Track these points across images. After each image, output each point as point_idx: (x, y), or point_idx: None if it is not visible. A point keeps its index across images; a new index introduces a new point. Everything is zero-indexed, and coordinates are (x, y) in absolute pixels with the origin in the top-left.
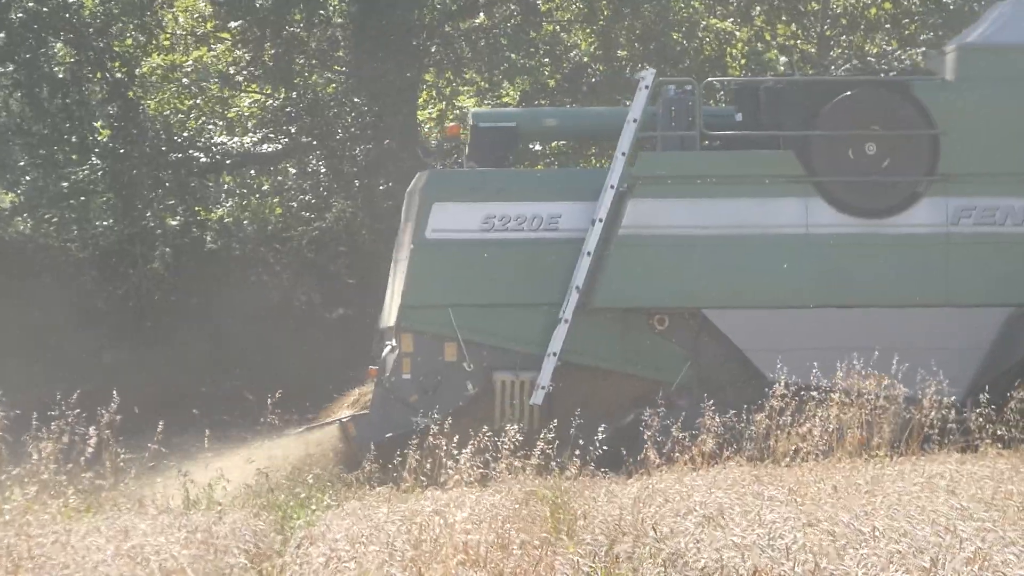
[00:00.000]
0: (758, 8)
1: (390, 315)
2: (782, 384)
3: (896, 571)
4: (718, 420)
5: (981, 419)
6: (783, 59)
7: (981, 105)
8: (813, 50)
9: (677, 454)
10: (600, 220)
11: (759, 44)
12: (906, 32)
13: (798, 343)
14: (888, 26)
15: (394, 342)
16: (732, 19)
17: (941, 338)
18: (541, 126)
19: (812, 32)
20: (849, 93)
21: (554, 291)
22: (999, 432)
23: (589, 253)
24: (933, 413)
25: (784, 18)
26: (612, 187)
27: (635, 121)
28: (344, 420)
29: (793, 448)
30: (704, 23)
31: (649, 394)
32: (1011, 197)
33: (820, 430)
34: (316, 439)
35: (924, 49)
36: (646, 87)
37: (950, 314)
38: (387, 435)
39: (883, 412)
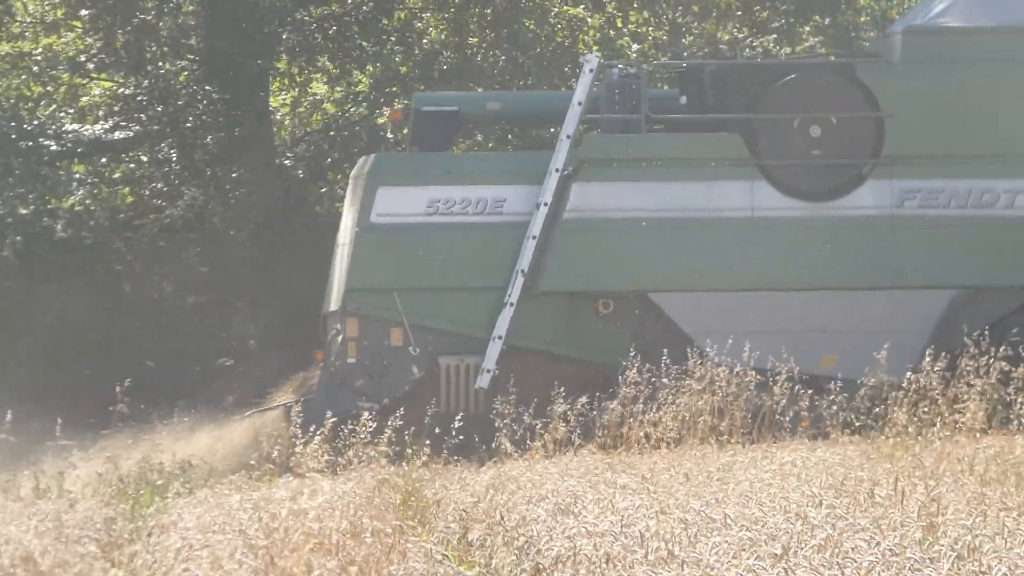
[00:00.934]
0: None
1: (335, 299)
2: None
3: (748, 558)
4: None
5: (834, 406)
6: (635, 46)
7: (926, 88)
8: (665, 37)
9: (532, 441)
10: (545, 204)
11: (611, 31)
12: (758, 19)
13: (744, 327)
14: (740, 13)
15: (339, 327)
16: (584, 6)
17: (886, 320)
18: (484, 110)
19: (664, 19)
20: (793, 76)
21: (499, 275)
22: (849, 419)
23: (534, 237)
24: (784, 400)
25: (636, 5)
26: (557, 171)
27: (580, 104)
28: (289, 405)
29: (643, 434)
30: (556, 10)
31: (595, 377)
32: (956, 179)
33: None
34: (261, 424)
35: (775, 36)
36: (591, 71)
37: (895, 296)
38: (332, 419)
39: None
